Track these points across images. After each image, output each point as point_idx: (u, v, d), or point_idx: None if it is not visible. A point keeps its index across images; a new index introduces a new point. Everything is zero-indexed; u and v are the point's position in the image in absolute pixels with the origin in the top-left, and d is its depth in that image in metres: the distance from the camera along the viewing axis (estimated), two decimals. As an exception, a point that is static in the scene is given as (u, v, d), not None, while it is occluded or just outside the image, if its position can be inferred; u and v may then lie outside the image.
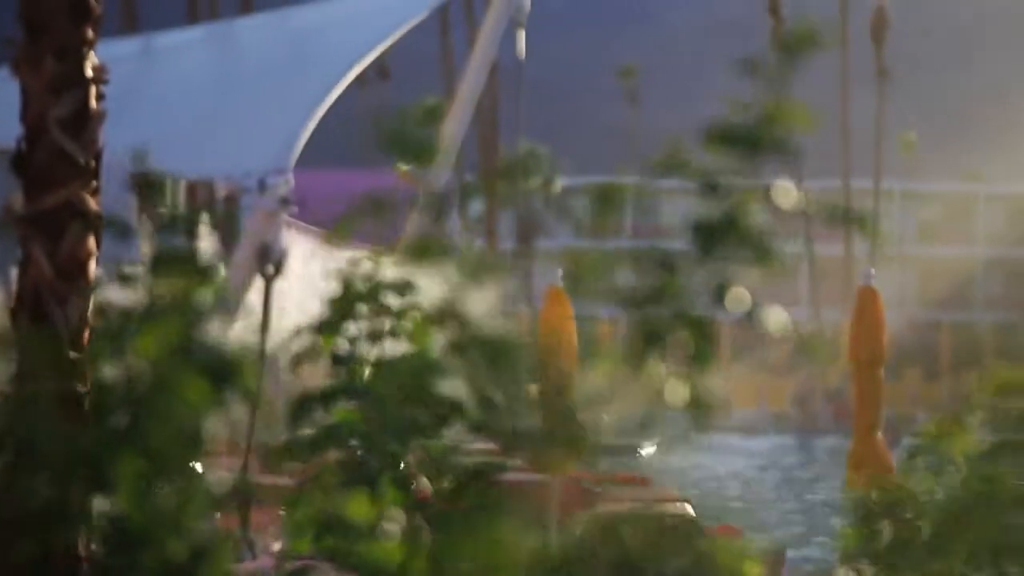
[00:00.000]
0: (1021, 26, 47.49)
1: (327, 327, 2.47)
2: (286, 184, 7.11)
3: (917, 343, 58.29)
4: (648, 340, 2.20)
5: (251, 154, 7.57)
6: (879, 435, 16.92)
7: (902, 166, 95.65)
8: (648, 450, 33.24)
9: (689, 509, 17.15)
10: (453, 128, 14.68)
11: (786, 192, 2.07)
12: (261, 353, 6.12)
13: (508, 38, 16.73)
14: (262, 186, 7.02)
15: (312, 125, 8.33)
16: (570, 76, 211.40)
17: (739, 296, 1.97)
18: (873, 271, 17.96)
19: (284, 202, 7.03)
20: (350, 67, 10.94)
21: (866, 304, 17.10)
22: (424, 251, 2.74)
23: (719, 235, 2.02)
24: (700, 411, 2.36)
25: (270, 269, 6.65)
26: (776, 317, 2.18)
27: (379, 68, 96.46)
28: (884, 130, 54.98)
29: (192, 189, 39.48)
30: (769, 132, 2.16)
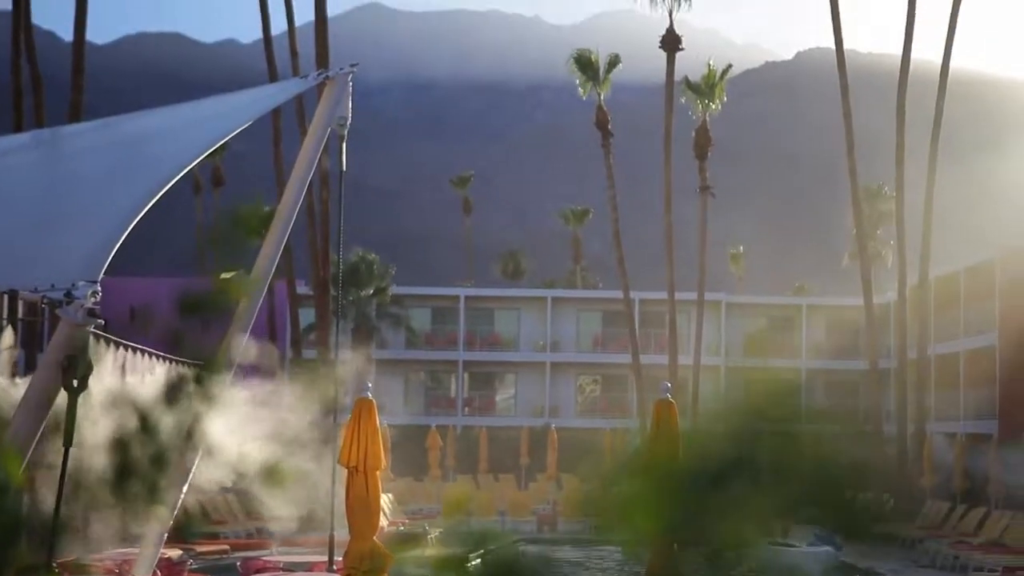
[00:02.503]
0: (842, 147, 49.34)
1: None
2: (94, 296, 7.01)
3: (741, 453, 59.25)
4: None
5: (61, 264, 7.47)
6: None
7: (729, 279, 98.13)
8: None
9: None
10: (275, 236, 14.73)
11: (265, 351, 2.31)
12: (63, 466, 6.07)
13: (349, 148, 16.88)
14: (69, 297, 6.92)
15: (125, 234, 8.23)
16: (411, 184, 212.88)
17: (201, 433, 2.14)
18: (669, 384, 18.28)
19: (91, 314, 6.93)
20: (171, 176, 10.88)
21: (662, 417, 17.35)
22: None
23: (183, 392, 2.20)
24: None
25: (74, 382, 6.57)
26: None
27: (213, 175, 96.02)
28: (712, 245, 56.34)
29: (13, 300, 38.34)
30: (218, 301, 2.42)
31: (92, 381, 6.59)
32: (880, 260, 71.82)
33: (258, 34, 51.05)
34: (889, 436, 49.37)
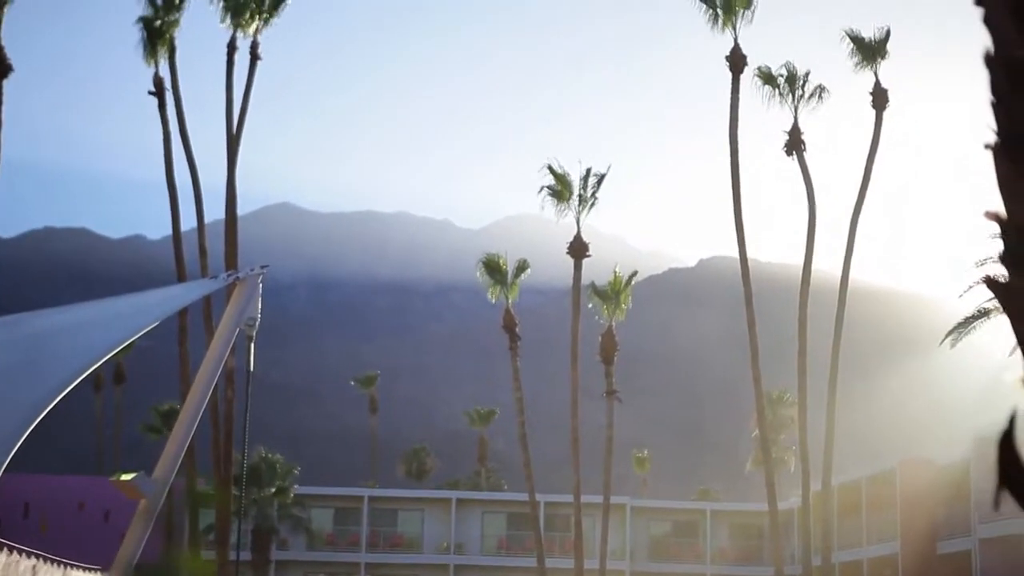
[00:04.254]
0: (744, 352, 50.03)
1: None
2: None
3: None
4: None
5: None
6: None
7: (634, 482, 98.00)
8: None
9: None
10: (179, 436, 14.52)
11: None
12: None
13: (255, 344, 16.80)
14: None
15: (25, 436, 8.11)
16: (316, 381, 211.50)
17: None
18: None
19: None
20: (75, 374, 10.76)
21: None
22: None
23: None
24: None
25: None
26: None
27: (115, 373, 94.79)
28: (618, 448, 56.39)
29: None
30: None
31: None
32: (783, 466, 72.22)
33: (165, 230, 51.18)
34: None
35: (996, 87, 3.60)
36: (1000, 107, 3.58)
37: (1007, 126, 3.58)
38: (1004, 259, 3.54)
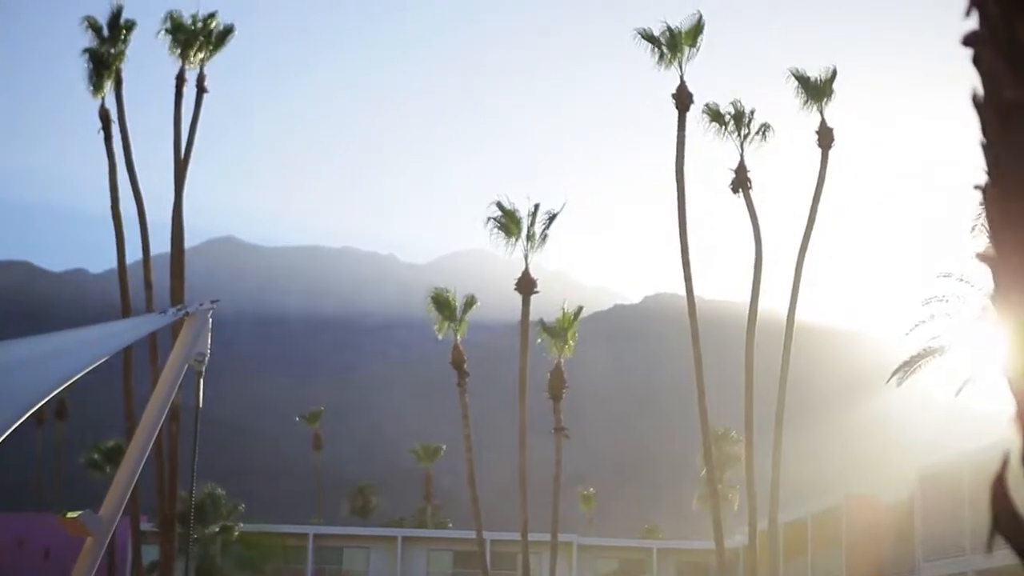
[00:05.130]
0: (689, 388, 50.14)
1: None
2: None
3: None
4: None
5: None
6: None
7: (580, 520, 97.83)
8: None
9: None
10: (126, 475, 14.29)
11: None
12: None
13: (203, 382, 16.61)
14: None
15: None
16: (261, 417, 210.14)
17: None
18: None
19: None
20: (23, 410, 10.58)
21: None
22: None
23: None
24: None
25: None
26: None
27: (57, 408, 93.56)
28: (564, 485, 56.26)
29: None
30: None
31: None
32: (728, 503, 72.34)
33: (107, 264, 50.81)
34: None
35: (986, 129, 3.60)
36: (990, 149, 3.59)
37: (997, 168, 3.58)
38: (995, 300, 3.54)
